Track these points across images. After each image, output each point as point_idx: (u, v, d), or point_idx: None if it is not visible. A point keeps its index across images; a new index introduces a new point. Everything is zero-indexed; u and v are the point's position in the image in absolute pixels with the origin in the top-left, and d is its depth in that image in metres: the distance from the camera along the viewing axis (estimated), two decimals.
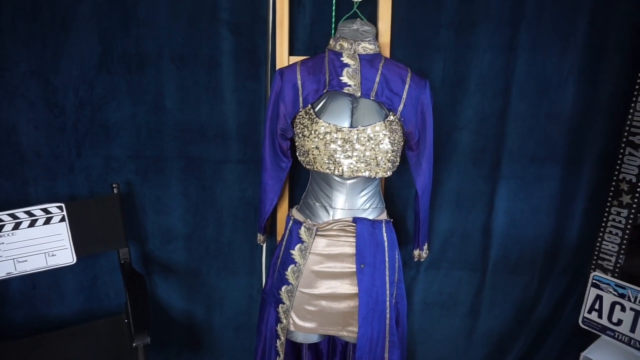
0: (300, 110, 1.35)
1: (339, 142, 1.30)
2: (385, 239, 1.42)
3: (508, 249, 1.81)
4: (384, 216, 1.46)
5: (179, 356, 1.98)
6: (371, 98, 1.32)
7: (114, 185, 1.65)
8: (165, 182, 1.75)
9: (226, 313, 1.92)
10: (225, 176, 1.75)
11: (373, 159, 1.31)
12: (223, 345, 1.97)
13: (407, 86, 1.36)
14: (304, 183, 1.54)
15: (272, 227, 1.74)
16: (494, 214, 1.77)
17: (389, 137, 1.31)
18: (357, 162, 1.31)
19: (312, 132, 1.31)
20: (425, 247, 1.61)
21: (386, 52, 1.54)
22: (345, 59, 1.35)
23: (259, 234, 1.62)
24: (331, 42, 1.39)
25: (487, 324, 1.90)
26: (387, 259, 1.42)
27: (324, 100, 1.34)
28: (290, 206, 1.67)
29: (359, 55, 1.35)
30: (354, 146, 1.30)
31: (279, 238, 1.70)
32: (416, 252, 1.63)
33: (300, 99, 1.35)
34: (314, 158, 1.33)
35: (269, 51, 1.62)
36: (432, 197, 1.57)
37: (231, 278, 1.88)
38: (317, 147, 1.31)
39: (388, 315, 1.42)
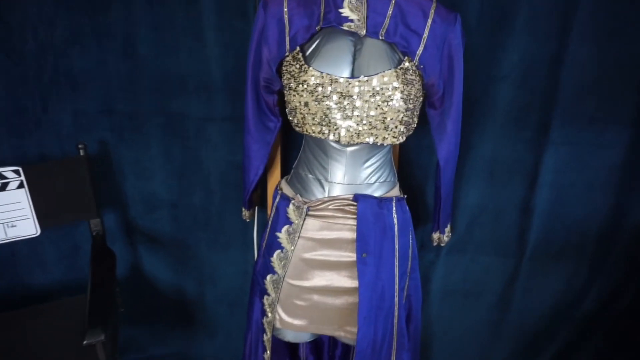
0: (287, 54, 1.03)
1: (335, 98, 0.99)
2: (395, 221, 1.13)
3: (552, 232, 1.48)
4: (395, 192, 1.16)
5: (170, 332, 1.82)
6: (380, 37, 0.99)
7: (79, 146, 1.42)
8: (144, 142, 1.53)
9: (219, 288, 1.74)
10: (211, 136, 1.50)
11: (380, 121, 1.00)
12: (217, 322, 1.81)
13: (429, 21, 1.01)
14: (300, 146, 1.24)
15: (263, 197, 1.47)
16: (537, 188, 1.43)
17: (402, 91, 0.99)
18: (358, 125, 1.00)
19: (301, 83, 1.00)
20: (448, 229, 1.31)
21: None
22: None
23: (243, 209, 1.35)
24: None
25: (518, 318, 1.61)
26: (396, 247, 1.13)
27: (317, 41, 1.02)
28: (285, 174, 1.39)
29: None
30: (354, 103, 0.99)
31: (269, 212, 1.44)
32: (435, 236, 1.33)
33: (287, 39, 1.03)
34: (302, 118, 1.02)
35: None
36: (459, 164, 1.25)
37: (223, 252, 1.67)
38: (306, 104, 1.00)
39: (396, 314, 1.15)
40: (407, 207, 1.17)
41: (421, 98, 1.08)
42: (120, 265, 1.66)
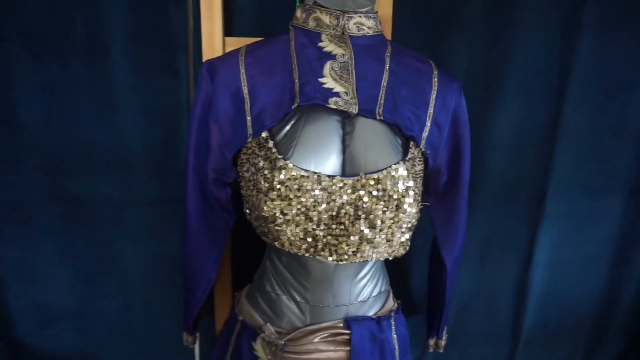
0: (249, 140, 0.74)
1: (325, 206, 0.70)
2: (395, 344, 0.87)
3: (547, 314, 1.32)
4: (390, 303, 0.90)
5: None
6: (378, 117, 0.73)
7: None
8: (33, 238, 1.14)
9: None
10: (129, 224, 1.16)
11: (387, 233, 0.73)
12: None
13: (434, 93, 0.78)
14: (256, 237, 0.92)
15: (208, 309, 1.13)
16: (532, 267, 1.26)
17: (413, 189, 0.73)
18: (357, 240, 0.73)
19: (274, 183, 0.70)
20: (445, 331, 1.07)
21: (385, 33, 0.95)
22: (326, 45, 0.75)
23: (185, 334, 1.00)
24: (298, 13, 0.78)
25: None
26: None
27: (292, 123, 0.73)
28: (236, 283, 1.07)
29: (350, 37, 0.75)
30: (351, 212, 0.71)
31: (218, 327, 1.10)
32: (432, 342, 1.08)
33: (248, 119, 0.74)
34: (277, 231, 0.72)
35: (190, 29, 0.99)
36: None
37: None
38: (283, 213, 0.70)
39: None
40: (404, 319, 0.92)
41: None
42: None
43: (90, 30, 0.99)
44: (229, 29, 1.00)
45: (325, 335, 0.81)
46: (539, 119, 1.13)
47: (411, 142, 0.75)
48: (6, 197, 1.09)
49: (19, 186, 1.08)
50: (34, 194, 1.09)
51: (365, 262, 0.81)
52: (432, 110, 0.78)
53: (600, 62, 1.10)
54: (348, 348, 0.81)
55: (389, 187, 0.70)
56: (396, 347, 0.87)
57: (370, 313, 0.85)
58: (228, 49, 0.93)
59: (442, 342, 1.07)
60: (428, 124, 0.77)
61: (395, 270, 0.99)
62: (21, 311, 1.19)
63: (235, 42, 0.92)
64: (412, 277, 1.25)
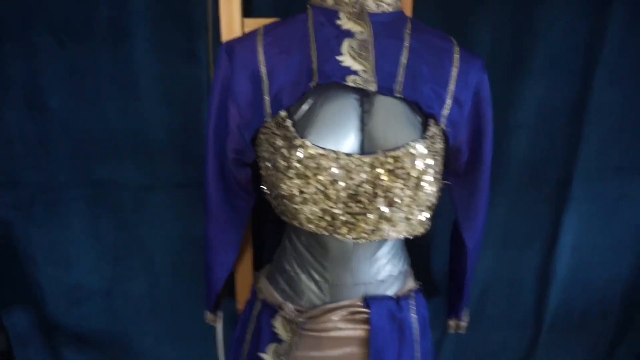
0: (268, 120, 0.74)
1: (343, 184, 0.70)
2: (415, 323, 0.87)
3: (571, 300, 1.29)
4: (411, 283, 0.90)
5: None
6: (397, 95, 0.73)
7: None
8: (62, 220, 1.17)
9: None
10: (154, 209, 1.18)
11: (405, 212, 0.73)
12: None
13: (455, 70, 0.77)
14: (276, 218, 0.93)
15: (231, 289, 1.15)
16: (557, 252, 1.23)
17: (433, 167, 0.73)
18: (376, 218, 0.73)
19: (291, 162, 0.70)
20: (466, 313, 1.06)
21: (406, 10, 0.93)
22: (344, 23, 0.74)
23: (207, 313, 1.03)
24: None
25: None
26: (417, 355, 0.87)
27: (310, 102, 0.74)
28: (257, 265, 1.08)
29: (369, 15, 0.74)
30: (370, 190, 0.71)
31: (239, 307, 1.12)
32: (453, 323, 1.08)
33: (267, 99, 0.74)
34: (295, 209, 0.73)
35: (209, 12, 1.00)
36: None
37: (178, 347, 1.32)
38: (301, 192, 0.71)
39: None
40: (425, 301, 0.92)
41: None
42: None
43: (114, 15, 1.00)
44: (248, 10, 1.00)
45: (344, 313, 0.82)
46: (565, 100, 1.10)
47: (431, 120, 0.74)
48: (37, 181, 1.12)
49: (48, 170, 1.11)
50: (62, 178, 1.12)
51: (384, 241, 0.81)
52: (452, 88, 0.76)
53: (628, 43, 1.06)
54: (367, 327, 0.82)
55: (407, 165, 0.70)
56: (416, 327, 0.87)
57: (390, 292, 0.85)
58: (247, 30, 0.93)
59: (463, 324, 1.06)
60: (449, 101, 0.76)
61: (417, 252, 0.98)
62: (52, 290, 1.23)
63: (254, 23, 0.92)
64: (433, 259, 1.24)
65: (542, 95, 1.09)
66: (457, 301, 1.03)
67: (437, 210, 0.81)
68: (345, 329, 0.83)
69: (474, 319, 1.26)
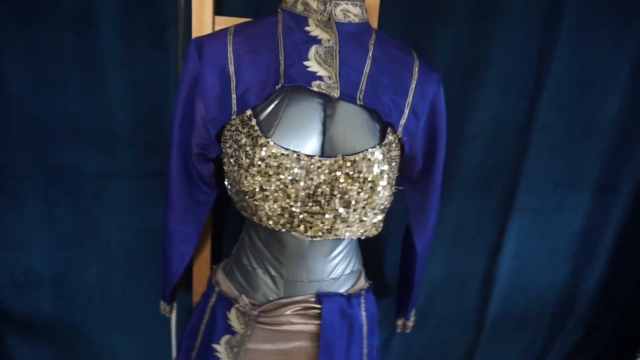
0: (234, 117, 0.76)
1: (303, 184, 0.74)
2: (364, 320, 0.91)
3: (511, 302, 1.38)
4: (362, 282, 0.94)
5: None
6: (358, 102, 0.77)
7: None
8: (17, 205, 1.15)
9: None
10: (112, 197, 1.17)
11: (360, 213, 0.77)
12: None
13: (414, 83, 0.82)
14: (236, 214, 0.96)
15: (187, 281, 1.16)
16: (500, 257, 1.31)
17: (388, 174, 0.77)
18: (332, 218, 0.76)
19: (254, 160, 0.73)
20: (413, 313, 1.12)
21: (372, 21, 0.97)
22: (312, 30, 0.77)
23: (163, 303, 1.03)
24: None
25: None
26: (365, 350, 0.91)
27: (275, 103, 0.76)
28: (214, 259, 1.10)
29: (337, 24, 0.78)
30: (327, 191, 0.74)
31: (195, 299, 1.14)
32: (400, 322, 1.13)
33: (234, 96, 0.76)
34: (256, 206, 0.76)
35: (181, 6, 1.00)
36: None
37: (128, 336, 1.32)
38: (262, 189, 0.74)
39: None
40: (374, 299, 0.96)
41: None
42: None
43: (80, 3, 0.99)
44: (219, 8, 1.02)
45: (297, 308, 0.85)
46: (516, 114, 1.18)
47: (389, 128, 0.79)
48: None
49: (4, 154, 1.09)
50: (19, 162, 1.10)
51: (339, 240, 0.85)
52: (410, 99, 0.81)
53: (576, 62, 1.14)
54: (318, 322, 0.86)
55: (364, 170, 0.74)
56: (364, 324, 0.92)
57: (342, 290, 0.89)
58: (217, 28, 0.95)
59: (410, 323, 1.12)
60: (406, 112, 0.81)
61: (370, 254, 1.03)
62: (1, 275, 1.20)
63: (225, 22, 0.94)
64: (385, 262, 1.30)
65: (494, 109, 1.16)
66: (405, 302, 1.09)
67: (392, 214, 0.86)
68: (297, 323, 0.86)
69: (421, 318, 1.33)
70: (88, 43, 1.02)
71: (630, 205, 1.31)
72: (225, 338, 0.87)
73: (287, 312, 0.85)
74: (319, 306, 0.85)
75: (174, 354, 1.29)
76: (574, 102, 1.18)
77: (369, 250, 0.99)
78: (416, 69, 0.83)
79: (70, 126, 1.09)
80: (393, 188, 0.80)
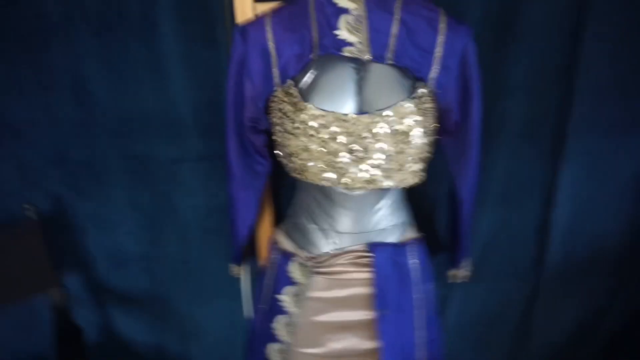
0: (276, 89, 0.86)
1: (342, 139, 0.82)
2: (415, 268, 0.98)
3: (572, 249, 1.37)
4: (411, 233, 1.01)
5: None
6: (387, 62, 0.83)
7: (25, 206, 1.20)
8: (105, 192, 1.33)
9: (205, 344, 1.54)
10: (184, 179, 1.31)
11: (398, 162, 0.84)
12: None
13: (441, 37, 0.87)
14: (291, 185, 1.07)
15: (253, 247, 1.29)
16: (556, 204, 1.31)
17: (422, 123, 0.84)
18: (372, 169, 0.84)
19: (298, 124, 0.82)
20: (466, 263, 1.16)
21: None
22: (340, 1, 0.85)
23: (233, 265, 1.17)
24: None
25: (540, 343, 1.49)
26: (418, 296, 0.98)
27: (312, 72, 0.85)
28: (277, 222, 1.21)
29: None
30: (365, 144, 0.82)
31: (261, 263, 1.26)
32: (452, 273, 1.18)
33: (275, 71, 0.86)
34: (302, 165, 0.85)
35: (226, 1, 1.11)
36: None
37: (207, 304, 1.48)
38: (306, 148, 0.83)
39: None
40: (425, 249, 1.02)
41: (434, 127, 0.92)
42: (90, 332, 1.45)
43: (143, 8, 1.12)
44: None
45: (350, 257, 0.94)
46: (557, 59, 1.16)
47: (420, 83, 0.85)
48: (79, 157, 1.27)
49: (89, 147, 1.26)
50: (104, 155, 1.27)
51: (384, 192, 0.92)
52: (439, 54, 0.86)
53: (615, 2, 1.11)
54: (370, 269, 0.94)
55: (397, 121, 0.81)
56: (414, 270, 0.98)
57: (391, 240, 0.97)
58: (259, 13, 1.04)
59: (463, 273, 1.17)
60: (436, 66, 0.86)
61: (422, 218, 1.09)
62: (98, 254, 1.39)
63: (265, 6, 1.03)
64: (439, 218, 1.33)
65: (534, 57, 1.15)
66: (456, 251, 1.14)
67: (443, 173, 0.89)
68: (351, 271, 0.95)
69: (476, 272, 1.35)
70: (151, 45, 1.15)
71: None
72: (288, 289, 0.98)
73: (342, 262, 0.94)
74: (370, 254, 0.94)
75: (245, 313, 1.43)
76: (619, 39, 1.15)
77: (421, 216, 1.04)
78: (443, 25, 0.87)
79: (143, 119, 1.23)
80: (430, 138, 0.86)
